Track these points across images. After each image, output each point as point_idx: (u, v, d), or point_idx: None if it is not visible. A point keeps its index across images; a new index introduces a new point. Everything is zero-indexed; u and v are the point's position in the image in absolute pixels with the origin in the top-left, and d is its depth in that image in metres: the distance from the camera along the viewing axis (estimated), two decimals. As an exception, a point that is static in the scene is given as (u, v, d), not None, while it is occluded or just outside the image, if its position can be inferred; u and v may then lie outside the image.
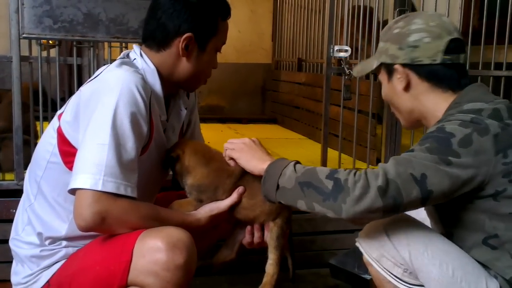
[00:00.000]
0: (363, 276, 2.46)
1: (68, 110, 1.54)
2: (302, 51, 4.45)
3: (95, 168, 1.38)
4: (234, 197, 1.62)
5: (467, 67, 1.53)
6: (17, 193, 2.38)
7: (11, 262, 1.82)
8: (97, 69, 2.42)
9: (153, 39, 1.60)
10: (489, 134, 1.33)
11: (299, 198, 1.39)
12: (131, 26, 2.23)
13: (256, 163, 1.52)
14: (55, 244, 1.58)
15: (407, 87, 1.49)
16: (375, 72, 1.59)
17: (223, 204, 1.61)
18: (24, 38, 2.21)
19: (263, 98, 5.37)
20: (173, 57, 1.60)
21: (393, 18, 2.72)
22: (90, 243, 1.55)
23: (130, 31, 2.23)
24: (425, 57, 1.45)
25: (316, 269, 2.66)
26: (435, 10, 2.83)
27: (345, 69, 2.74)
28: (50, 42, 2.52)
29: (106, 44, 2.47)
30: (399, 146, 2.86)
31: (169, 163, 1.66)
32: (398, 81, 1.49)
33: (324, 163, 2.77)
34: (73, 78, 2.46)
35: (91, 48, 2.43)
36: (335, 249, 2.71)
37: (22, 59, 2.29)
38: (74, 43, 2.43)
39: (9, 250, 1.76)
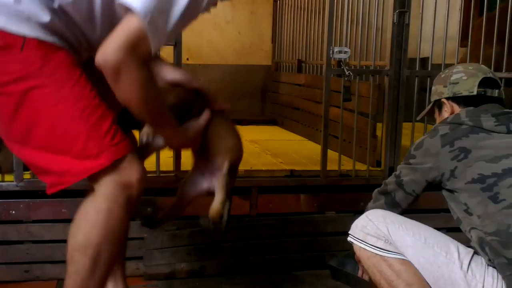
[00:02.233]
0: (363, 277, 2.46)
1: None
2: (302, 53, 4.45)
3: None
4: (207, 113, 1.75)
5: (504, 102, 1.91)
6: (17, 194, 2.38)
7: (11, 263, 1.82)
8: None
9: None
10: (437, 135, 1.79)
11: None
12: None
13: None
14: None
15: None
16: (431, 114, 2.04)
17: (201, 120, 1.73)
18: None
19: (263, 100, 5.36)
20: None
21: (393, 20, 2.75)
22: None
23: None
24: (464, 90, 1.87)
25: (316, 271, 2.66)
26: (435, 11, 2.84)
27: (345, 70, 2.73)
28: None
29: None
30: (399, 147, 2.85)
31: None
32: (445, 113, 1.92)
33: (324, 164, 2.77)
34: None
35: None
36: (335, 251, 2.70)
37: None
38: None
39: (8, 251, 1.75)
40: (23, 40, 1.44)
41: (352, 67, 2.93)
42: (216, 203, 1.79)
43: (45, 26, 1.47)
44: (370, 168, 2.86)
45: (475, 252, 1.65)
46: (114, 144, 1.49)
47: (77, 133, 1.47)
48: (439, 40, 2.93)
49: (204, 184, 1.86)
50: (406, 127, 2.91)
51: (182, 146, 1.76)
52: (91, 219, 1.51)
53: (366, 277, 2.01)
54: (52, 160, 1.49)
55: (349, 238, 1.80)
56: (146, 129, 1.71)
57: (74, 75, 1.50)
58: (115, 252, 1.57)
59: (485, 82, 1.85)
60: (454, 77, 1.90)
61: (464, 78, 1.87)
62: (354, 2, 3.33)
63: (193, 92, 1.81)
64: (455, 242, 1.69)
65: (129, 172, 1.52)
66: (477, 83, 1.85)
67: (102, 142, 1.48)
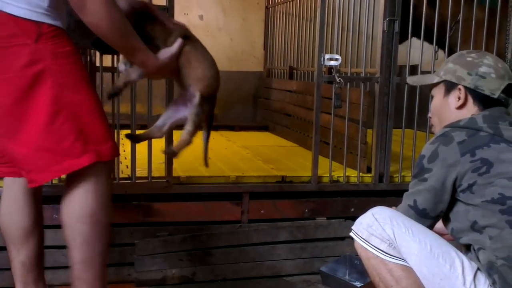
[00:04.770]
0: (353, 283, 2.48)
1: None
2: (293, 60, 4.47)
3: None
4: (180, 41, 1.82)
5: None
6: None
7: (3, 269, 1.81)
8: (90, 75, 2.44)
9: None
10: (453, 143, 1.63)
11: None
12: (123, 34, 2.23)
13: None
14: None
15: (461, 107, 1.74)
16: (431, 86, 1.84)
17: (173, 47, 1.80)
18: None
19: (254, 106, 5.38)
20: None
21: (383, 28, 2.78)
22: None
23: (122, 39, 2.23)
24: (487, 89, 1.71)
25: (307, 276, 2.68)
26: (424, 19, 2.87)
27: (336, 77, 2.76)
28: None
29: (98, 51, 2.48)
30: (389, 154, 2.88)
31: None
32: (453, 99, 1.76)
33: (315, 170, 2.79)
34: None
35: (83, 55, 2.44)
36: (325, 256, 2.72)
37: (14, 66, 2.29)
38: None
39: (1, 258, 1.74)
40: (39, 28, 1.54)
41: (343, 74, 2.96)
42: (184, 134, 1.86)
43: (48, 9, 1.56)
44: (361, 174, 2.88)
45: (478, 269, 1.61)
46: (97, 149, 1.63)
47: (68, 133, 1.58)
48: (428, 47, 2.96)
49: (180, 113, 1.92)
50: (396, 133, 2.94)
51: (157, 73, 1.80)
52: (85, 193, 1.65)
53: None
54: (35, 157, 1.58)
55: (351, 234, 1.73)
56: (123, 58, 1.77)
57: (84, 77, 1.64)
58: (111, 217, 1.73)
59: (508, 88, 1.73)
60: (483, 69, 1.72)
61: (493, 76, 1.71)
62: (345, 10, 3.36)
63: (162, 22, 1.84)
64: (460, 255, 1.63)
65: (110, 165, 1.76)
66: (502, 87, 1.71)
67: (87, 145, 1.61)
